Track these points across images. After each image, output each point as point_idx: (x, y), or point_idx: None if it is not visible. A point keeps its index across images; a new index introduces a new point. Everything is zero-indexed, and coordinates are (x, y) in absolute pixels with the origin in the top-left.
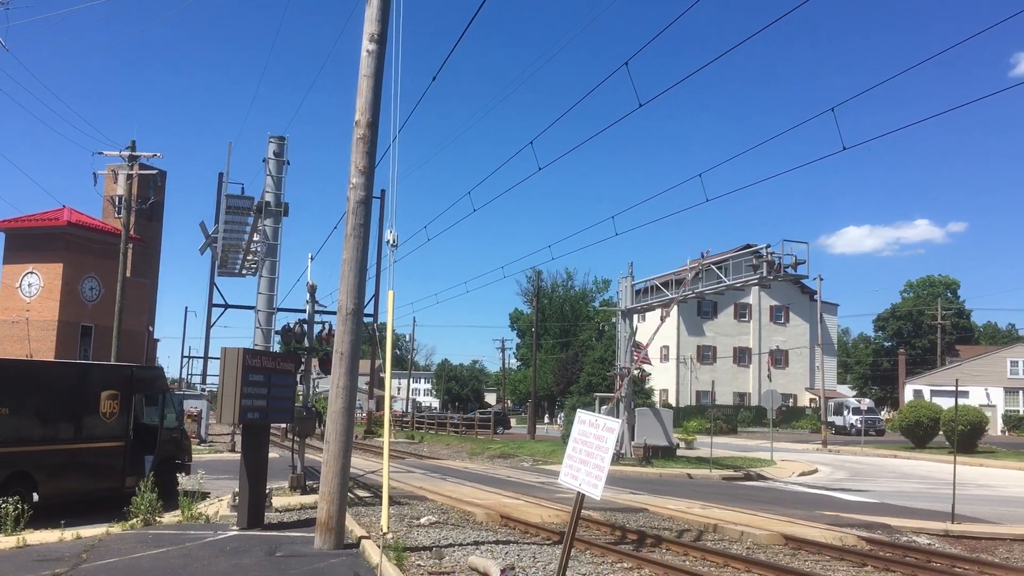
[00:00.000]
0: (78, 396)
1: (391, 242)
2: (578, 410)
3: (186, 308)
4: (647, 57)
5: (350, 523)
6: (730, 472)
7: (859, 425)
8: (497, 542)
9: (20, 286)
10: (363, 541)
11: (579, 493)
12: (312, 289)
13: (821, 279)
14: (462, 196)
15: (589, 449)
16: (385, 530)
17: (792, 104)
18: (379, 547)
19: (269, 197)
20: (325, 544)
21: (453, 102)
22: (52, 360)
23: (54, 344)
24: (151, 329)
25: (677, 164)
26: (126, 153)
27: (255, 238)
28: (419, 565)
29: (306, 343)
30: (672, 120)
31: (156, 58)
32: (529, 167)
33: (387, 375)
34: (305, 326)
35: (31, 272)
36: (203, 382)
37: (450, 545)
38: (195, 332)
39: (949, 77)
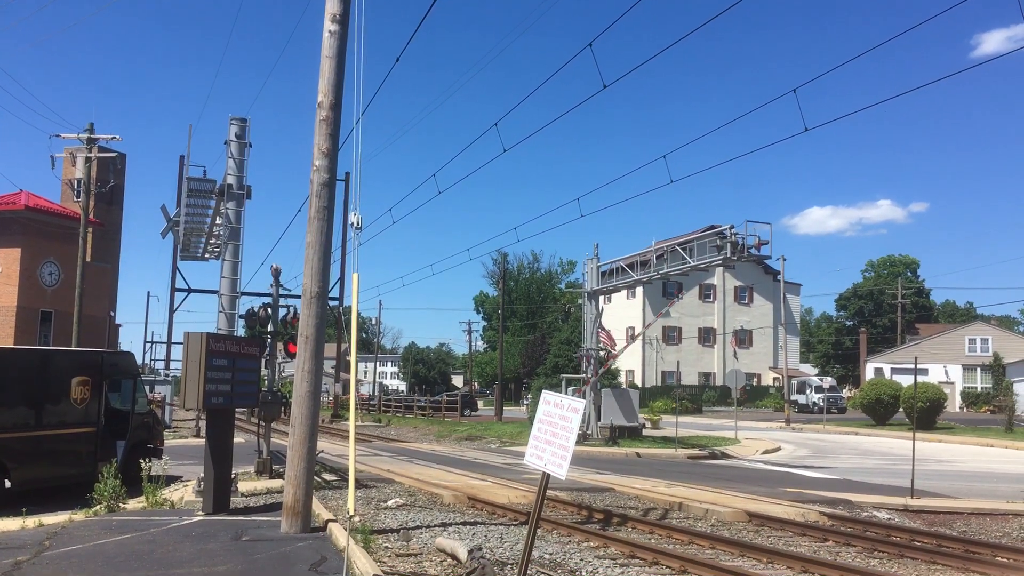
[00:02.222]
0: (48, 382)
1: (355, 225)
2: (543, 390)
3: (148, 293)
4: (611, 39)
5: (317, 507)
6: (695, 451)
7: (821, 403)
8: (464, 523)
9: None
10: (330, 524)
11: (544, 473)
12: (276, 272)
13: (784, 260)
14: (427, 179)
15: (554, 429)
16: (352, 513)
17: (755, 86)
18: (346, 530)
19: (231, 180)
20: (292, 528)
21: (418, 84)
22: (21, 347)
23: (13, 330)
24: (113, 314)
25: (642, 146)
26: (84, 136)
27: (217, 221)
28: (387, 547)
29: (271, 327)
30: (637, 103)
31: (114, 41)
32: (494, 149)
33: (353, 358)
34: (270, 310)
35: None
36: (167, 367)
37: (417, 527)
38: (158, 317)
39: (911, 58)
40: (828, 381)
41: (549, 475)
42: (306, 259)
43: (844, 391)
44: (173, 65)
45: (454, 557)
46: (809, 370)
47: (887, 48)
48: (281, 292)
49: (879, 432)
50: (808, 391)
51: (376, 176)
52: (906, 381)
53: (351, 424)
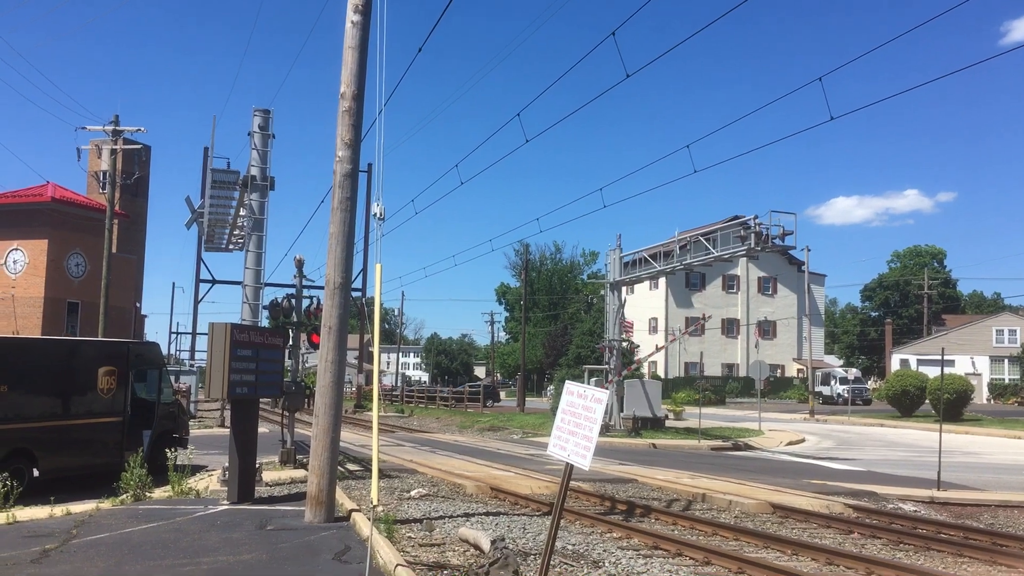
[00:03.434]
0: (76, 372)
1: (378, 215)
2: (566, 381)
3: (173, 284)
4: (634, 28)
5: (340, 496)
6: (718, 442)
7: (846, 395)
8: (487, 513)
9: (5, 263)
10: (353, 514)
11: (568, 464)
12: (300, 263)
13: (809, 250)
14: (449, 169)
15: (577, 420)
16: (375, 502)
17: (780, 75)
18: (369, 520)
19: (255, 171)
20: (316, 517)
21: (440, 75)
22: (50, 337)
23: (40, 321)
24: (138, 305)
25: (665, 136)
26: (110, 128)
27: (241, 213)
28: (410, 537)
29: (294, 318)
30: (660, 92)
31: (139, 32)
32: (516, 139)
33: (376, 348)
34: (293, 301)
35: (16, 249)
36: (191, 358)
37: (440, 517)
38: (183, 308)
39: (939, 46)
40: (853, 372)
41: (572, 466)
42: (329, 250)
43: (869, 382)
44: (198, 56)
45: (477, 547)
46: (834, 361)
47: (914, 36)
48: (304, 283)
49: (905, 424)
50: (833, 382)
51: (398, 167)
52: (932, 372)
53: (374, 414)
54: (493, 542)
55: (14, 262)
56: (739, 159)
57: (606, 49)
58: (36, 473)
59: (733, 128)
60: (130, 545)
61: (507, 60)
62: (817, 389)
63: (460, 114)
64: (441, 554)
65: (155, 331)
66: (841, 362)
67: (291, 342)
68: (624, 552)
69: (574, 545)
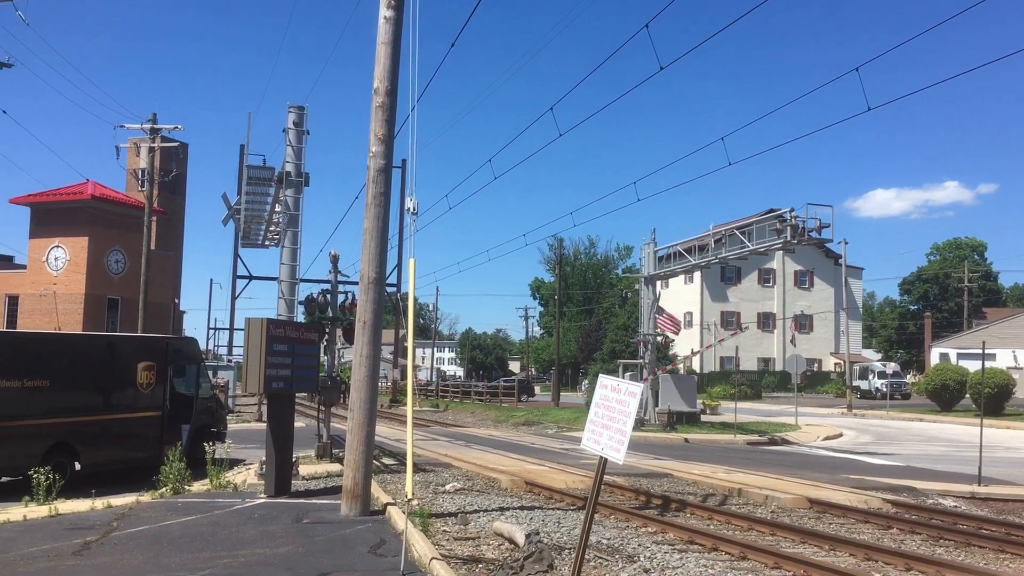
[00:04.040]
0: (115, 368)
1: (411, 210)
2: (600, 374)
3: (211, 280)
4: (668, 20)
5: (376, 490)
6: (754, 437)
7: (884, 389)
8: (522, 508)
9: (47, 260)
10: (389, 508)
11: (601, 457)
12: (335, 259)
13: (846, 243)
14: (483, 164)
15: (611, 414)
16: (410, 496)
17: (816, 65)
18: (404, 513)
19: (289, 167)
20: (351, 511)
21: (473, 69)
22: (88, 333)
23: (81, 317)
24: (177, 301)
25: (699, 128)
26: (148, 126)
27: (277, 209)
28: (444, 531)
29: (330, 313)
30: (694, 84)
31: (176, 30)
32: (550, 133)
33: (410, 343)
34: (328, 296)
35: (57, 246)
36: (229, 353)
37: (475, 511)
38: (220, 304)
39: (977, 35)
40: (891, 367)
41: (606, 459)
42: (363, 245)
43: (908, 377)
44: (234, 53)
45: (512, 541)
46: (872, 355)
47: (953, 24)
48: (339, 278)
49: (944, 418)
50: (871, 377)
51: (432, 162)
52: (973, 366)
53: (408, 409)
54: (528, 536)
55: (56, 259)
56: (775, 152)
57: (639, 42)
58: (78, 467)
59: (768, 120)
60: (169, 538)
61: (540, 54)
62: (855, 383)
63: (493, 109)
64: (476, 548)
65: (193, 327)
66: (879, 356)
67: (326, 337)
68: (659, 547)
69: (609, 539)
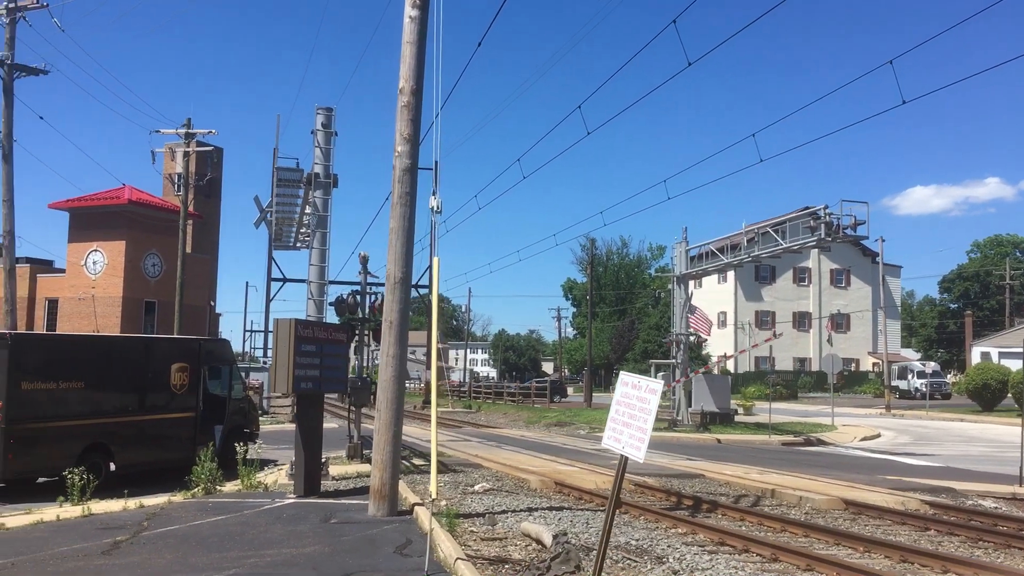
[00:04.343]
0: (149, 369)
1: (435, 208)
2: (621, 372)
3: (247, 283)
4: (696, 15)
5: (404, 490)
6: (789, 438)
7: (924, 389)
8: (551, 508)
9: (85, 264)
10: (416, 508)
11: (622, 456)
12: (364, 260)
13: (883, 240)
14: (511, 163)
15: (632, 411)
16: (434, 496)
17: (848, 59)
18: (431, 513)
19: (318, 169)
20: (379, 511)
21: (503, 68)
22: (123, 335)
23: (119, 320)
24: (213, 304)
25: (729, 125)
26: (182, 131)
27: (307, 211)
28: (472, 531)
29: (360, 314)
30: (724, 80)
31: (209, 34)
32: (578, 132)
33: (433, 342)
34: (358, 297)
35: (95, 250)
36: (264, 355)
37: (503, 512)
38: (256, 306)
39: (1016, 24)
40: (931, 366)
41: (627, 458)
42: (390, 245)
43: (948, 376)
44: (271, 56)
45: (539, 542)
46: (911, 355)
47: (990, 14)
48: (369, 280)
49: (986, 418)
50: (910, 376)
51: (461, 162)
52: (1015, 365)
53: (432, 407)
54: (555, 536)
55: (94, 263)
56: (810, 150)
57: (668, 39)
58: (112, 467)
59: (801, 116)
60: (198, 537)
61: (569, 53)
62: (894, 383)
63: (521, 108)
64: (503, 548)
65: (230, 329)
66: (919, 355)
67: (356, 338)
68: (689, 548)
69: (638, 540)
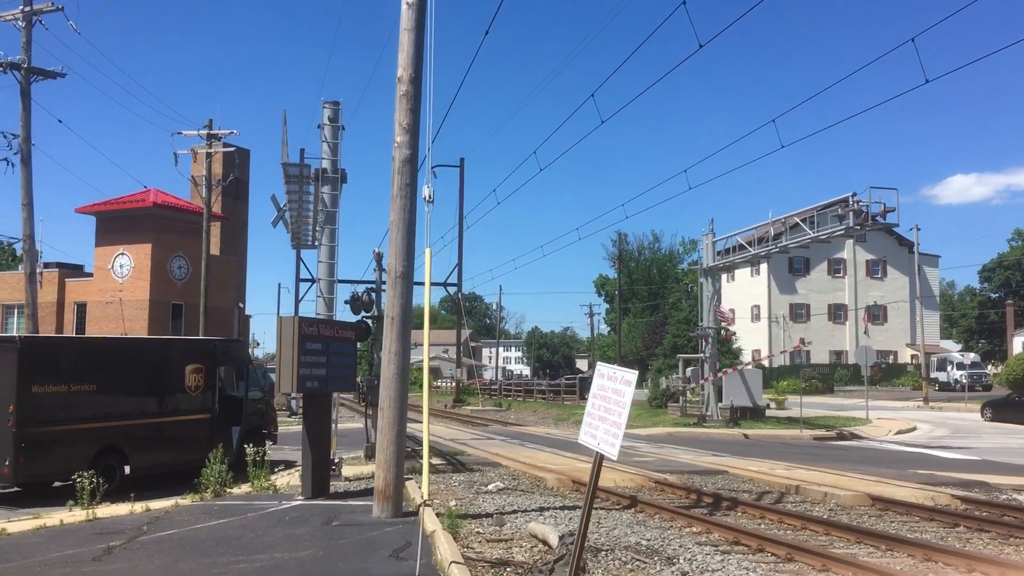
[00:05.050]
0: (163, 371)
1: (428, 198)
2: (598, 363)
3: (279, 284)
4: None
5: (413, 491)
6: (822, 432)
7: (964, 380)
8: (563, 507)
9: (112, 267)
10: (421, 509)
11: (597, 453)
12: (379, 257)
13: (918, 229)
14: (528, 156)
15: (607, 405)
16: (425, 497)
17: (868, 42)
18: (436, 514)
19: (326, 163)
20: (383, 513)
21: (517, 67)
22: (135, 337)
23: (147, 322)
24: (241, 305)
25: (749, 113)
26: (204, 132)
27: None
28: (478, 532)
29: (375, 311)
30: (741, 67)
31: (232, 34)
32: (593, 123)
33: (425, 332)
34: (373, 294)
35: (122, 253)
36: None
37: (514, 512)
38: (288, 308)
39: None
40: (971, 357)
41: (603, 455)
42: (390, 239)
43: (989, 367)
44: (292, 55)
45: (545, 543)
46: (951, 346)
47: None
48: (383, 276)
49: None
50: (949, 368)
51: (481, 161)
52: None
53: (424, 403)
54: (561, 537)
55: (120, 266)
56: (837, 140)
57: (682, 25)
58: (127, 470)
59: (824, 103)
60: (194, 542)
61: (583, 49)
62: (932, 375)
63: (538, 104)
64: (507, 550)
65: (262, 330)
66: (959, 347)
67: (372, 335)
68: (701, 548)
69: (649, 540)
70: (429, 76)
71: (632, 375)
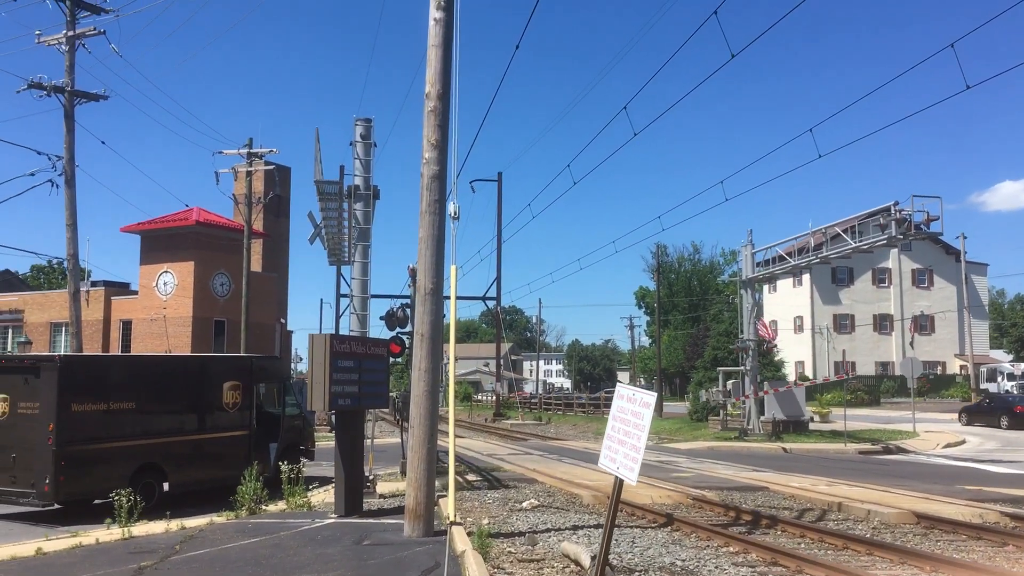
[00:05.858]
0: (201, 388)
1: (453, 214)
2: (618, 384)
3: (321, 300)
4: (739, 11)
5: (447, 509)
6: (867, 445)
7: (1016, 392)
8: (598, 526)
9: (156, 285)
10: (452, 528)
11: (616, 478)
12: (413, 273)
13: (964, 237)
14: (562, 170)
15: (627, 428)
16: (452, 517)
17: (908, 46)
18: (466, 533)
19: (358, 180)
20: (414, 531)
21: (551, 86)
22: (174, 354)
23: (190, 339)
24: (283, 321)
25: (786, 123)
26: (244, 151)
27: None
28: (509, 552)
29: (409, 327)
30: (776, 78)
31: (272, 53)
32: (626, 135)
33: (451, 346)
34: (408, 310)
35: (166, 271)
36: None
37: (547, 530)
38: (330, 323)
39: None
40: (1022, 367)
41: (623, 481)
42: (419, 255)
43: None
44: (333, 73)
45: (577, 563)
46: (1002, 356)
47: None
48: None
49: None
50: (1000, 379)
51: (514, 172)
52: None
53: (450, 418)
54: (593, 557)
55: (164, 284)
56: (880, 148)
57: (713, 36)
58: (166, 487)
59: (862, 112)
60: (224, 562)
61: (617, 63)
62: (982, 386)
63: (573, 120)
64: (538, 570)
65: (304, 346)
66: (1010, 357)
67: (408, 351)
68: (737, 569)
69: (683, 561)
70: (455, 92)
71: (651, 397)
